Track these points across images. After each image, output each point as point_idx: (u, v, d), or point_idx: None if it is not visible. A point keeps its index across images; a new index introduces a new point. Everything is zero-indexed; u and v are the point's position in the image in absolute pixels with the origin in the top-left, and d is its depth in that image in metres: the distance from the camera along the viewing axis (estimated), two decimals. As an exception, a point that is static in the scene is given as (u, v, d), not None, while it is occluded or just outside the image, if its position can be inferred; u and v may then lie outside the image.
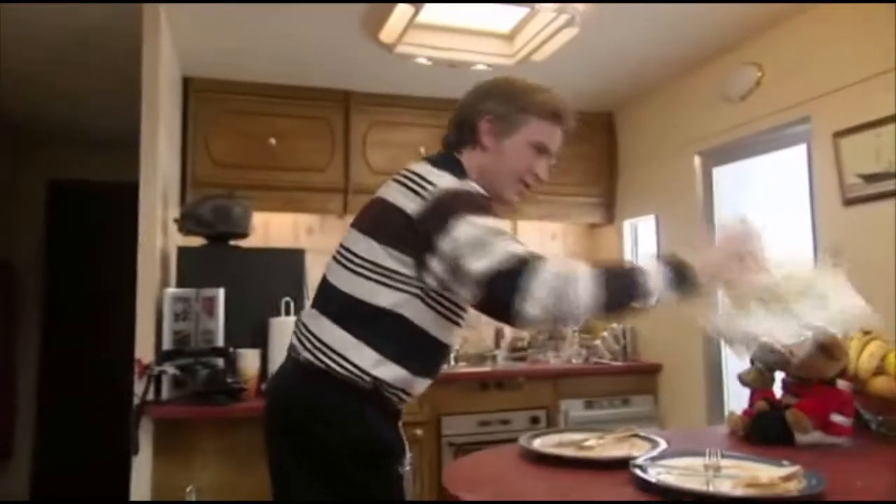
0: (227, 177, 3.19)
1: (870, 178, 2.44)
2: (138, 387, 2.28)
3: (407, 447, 1.37)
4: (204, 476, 2.34)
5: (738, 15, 2.75)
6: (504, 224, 1.28)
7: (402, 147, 3.51)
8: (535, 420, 3.24)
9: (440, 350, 1.37)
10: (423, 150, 3.53)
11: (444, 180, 1.31)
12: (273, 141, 3.32)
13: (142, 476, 2.30)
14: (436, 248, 1.23)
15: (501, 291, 1.18)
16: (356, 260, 1.33)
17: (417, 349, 1.32)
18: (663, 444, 1.35)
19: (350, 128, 3.49)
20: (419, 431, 2.96)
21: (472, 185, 1.35)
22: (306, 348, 1.33)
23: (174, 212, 2.94)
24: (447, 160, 1.42)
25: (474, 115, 1.43)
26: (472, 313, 1.37)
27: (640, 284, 1.20)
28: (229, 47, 3.01)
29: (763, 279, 1.27)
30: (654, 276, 1.21)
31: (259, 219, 2.97)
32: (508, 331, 3.81)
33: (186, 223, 2.70)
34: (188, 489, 2.24)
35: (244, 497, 2.29)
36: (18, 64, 3.17)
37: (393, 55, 2.91)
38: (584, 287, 1.16)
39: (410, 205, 1.29)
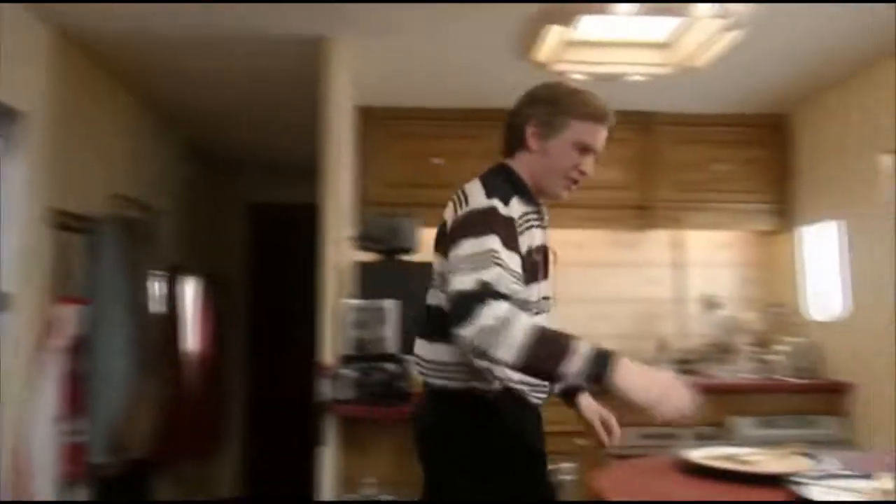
0: (396, 196, 3.45)
1: None
2: (323, 387, 2.57)
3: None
4: (380, 470, 2.57)
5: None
6: (512, 241, 1.38)
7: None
8: (701, 436, 3.12)
9: None
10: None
11: (476, 199, 1.42)
12: (438, 161, 3.53)
13: (328, 466, 2.58)
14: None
15: (457, 310, 1.31)
16: (433, 276, 1.53)
17: None
18: (834, 464, 1.29)
19: (509, 144, 3.62)
20: (581, 441, 2.98)
21: (495, 202, 1.41)
22: (422, 373, 1.54)
23: (349, 230, 3.25)
24: (496, 172, 1.55)
25: (521, 121, 1.55)
26: None
27: (560, 364, 1.26)
28: (395, 78, 3.28)
29: None
30: (577, 363, 1.26)
31: (426, 234, 3.18)
32: (671, 341, 3.71)
33: (360, 240, 2.98)
34: (367, 481, 2.47)
35: (412, 490, 2.48)
36: (216, 103, 3.70)
37: (548, 73, 2.99)
38: (514, 341, 1.26)
39: (451, 221, 1.47)
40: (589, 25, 2.63)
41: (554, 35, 2.68)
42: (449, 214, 1.49)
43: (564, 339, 1.30)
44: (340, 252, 2.92)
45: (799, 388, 3.27)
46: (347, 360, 2.63)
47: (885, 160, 3.07)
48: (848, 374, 3.30)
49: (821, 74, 3.26)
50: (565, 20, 2.53)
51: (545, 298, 1.57)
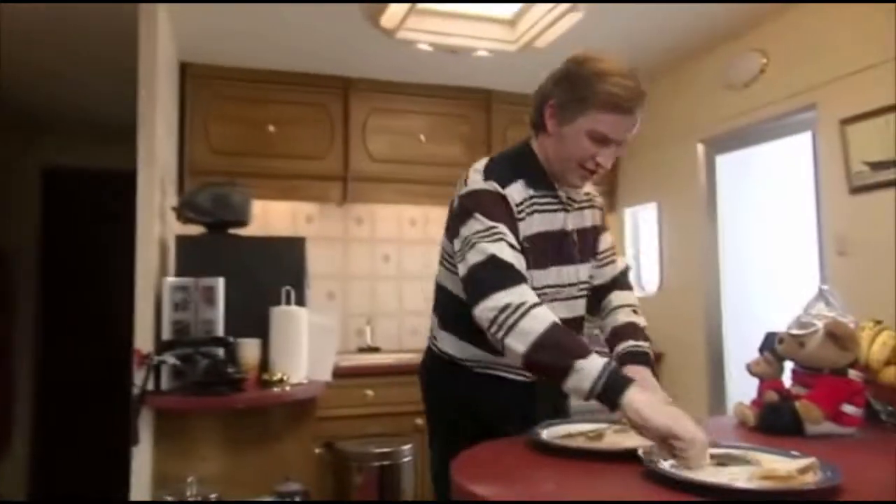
0: (226, 164, 3.16)
1: (876, 166, 2.42)
2: (138, 377, 2.26)
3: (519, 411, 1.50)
4: (205, 467, 2.32)
5: (744, 2, 2.71)
6: (510, 222, 1.37)
7: (402, 134, 3.47)
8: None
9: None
10: (423, 137, 3.50)
11: (475, 180, 1.41)
12: (272, 128, 3.28)
13: (142, 467, 2.28)
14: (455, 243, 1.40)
15: (472, 288, 1.31)
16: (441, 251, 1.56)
17: (459, 316, 1.42)
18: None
19: (349, 115, 3.45)
20: (420, 421, 2.94)
21: (492, 185, 1.40)
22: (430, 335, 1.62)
23: (172, 200, 2.91)
24: (509, 153, 1.53)
25: (543, 99, 1.46)
26: None
27: (567, 376, 1.19)
28: (227, 32, 2.97)
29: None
30: (586, 380, 1.18)
31: (258, 207, 2.94)
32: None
33: (185, 212, 2.67)
34: (189, 480, 2.22)
35: (245, 487, 2.28)
36: (13, 50, 3.12)
37: (394, 41, 2.88)
38: (526, 334, 1.22)
39: (457, 199, 1.46)
40: (437, -6, 2.55)
41: (401, 2, 2.55)
42: (457, 192, 1.47)
43: (569, 340, 1.24)
44: (161, 224, 2.60)
45: (620, 360, 3.49)
46: (168, 345, 2.34)
47: (698, 149, 3.34)
48: (660, 344, 3.59)
49: (645, 66, 3.46)
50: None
51: (567, 285, 1.53)
